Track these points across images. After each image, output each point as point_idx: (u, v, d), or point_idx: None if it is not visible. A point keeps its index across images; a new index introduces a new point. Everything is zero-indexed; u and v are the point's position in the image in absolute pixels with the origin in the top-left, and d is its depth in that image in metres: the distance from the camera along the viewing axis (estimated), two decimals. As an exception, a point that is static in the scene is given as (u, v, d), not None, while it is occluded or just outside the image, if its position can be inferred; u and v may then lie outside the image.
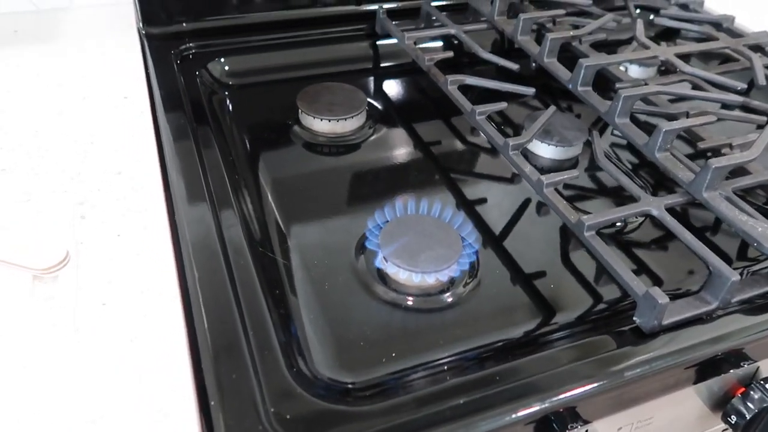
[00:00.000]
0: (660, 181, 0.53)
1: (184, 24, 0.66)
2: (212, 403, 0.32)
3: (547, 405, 0.34)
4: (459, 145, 0.58)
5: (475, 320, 0.41)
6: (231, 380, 0.33)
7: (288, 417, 0.32)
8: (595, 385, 0.35)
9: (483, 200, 0.51)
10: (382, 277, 0.43)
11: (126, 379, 0.33)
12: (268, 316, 0.37)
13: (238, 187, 0.48)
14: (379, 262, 0.43)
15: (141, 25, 0.65)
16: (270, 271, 0.42)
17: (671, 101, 0.57)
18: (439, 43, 0.70)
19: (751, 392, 0.40)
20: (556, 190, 0.45)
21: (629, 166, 0.56)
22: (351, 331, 0.39)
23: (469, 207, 0.50)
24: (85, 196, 0.44)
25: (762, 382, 0.40)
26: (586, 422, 0.36)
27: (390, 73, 0.68)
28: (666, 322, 0.38)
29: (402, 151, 0.57)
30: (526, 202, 0.51)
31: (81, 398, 0.32)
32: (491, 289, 0.43)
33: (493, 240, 0.47)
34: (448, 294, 0.42)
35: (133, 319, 0.36)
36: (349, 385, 0.35)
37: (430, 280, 0.42)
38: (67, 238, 0.40)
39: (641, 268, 0.45)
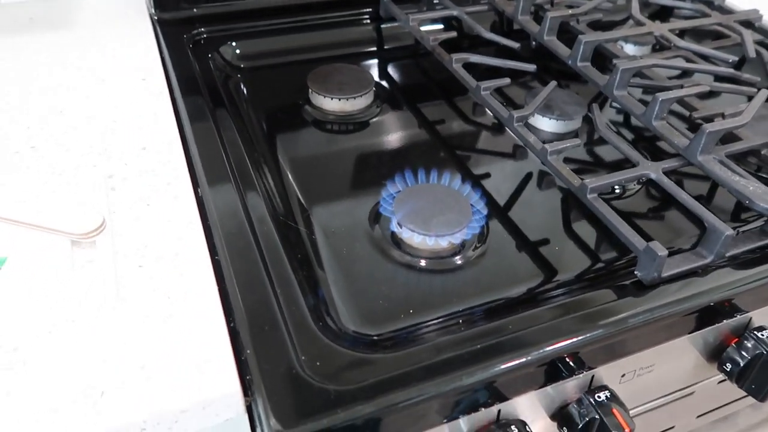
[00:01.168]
0: (656, 154, 0.55)
1: (194, 9, 0.68)
2: (248, 351, 0.35)
3: (558, 347, 0.36)
4: (462, 124, 0.60)
5: (485, 280, 0.43)
6: (263, 331, 0.36)
7: (318, 363, 0.35)
8: (601, 331, 0.38)
9: (487, 175, 0.54)
10: (397, 242, 0.45)
11: (166, 331, 0.36)
12: (293, 276, 0.40)
13: (257, 162, 0.51)
14: (394, 227, 0.45)
15: (153, 10, 0.67)
16: (292, 238, 0.44)
17: (667, 78, 0.59)
18: (441, 26, 0.72)
19: (745, 341, 0.43)
20: (559, 158, 0.48)
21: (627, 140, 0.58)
22: (370, 292, 0.42)
23: (474, 181, 0.52)
24: (113, 170, 0.47)
25: (755, 331, 0.43)
26: (591, 368, 0.39)
27: (394, 56, 0.70)
28: (665, 274, 0.40)
29: (408, 128, 0.59)
30: (528, 176, 0.54)
31: (128, 348, 0.35)
32: (499, 253, 0.45)
33: (499, 210, 0.49)
34: (458, 257, 0.45)
35: (169, 278, 0.39)
36: (374, 337, 0.38)
37: (443, 243, 0.44)
38: (100, 207, 0.43)
39: (638, 232, 0.48)
